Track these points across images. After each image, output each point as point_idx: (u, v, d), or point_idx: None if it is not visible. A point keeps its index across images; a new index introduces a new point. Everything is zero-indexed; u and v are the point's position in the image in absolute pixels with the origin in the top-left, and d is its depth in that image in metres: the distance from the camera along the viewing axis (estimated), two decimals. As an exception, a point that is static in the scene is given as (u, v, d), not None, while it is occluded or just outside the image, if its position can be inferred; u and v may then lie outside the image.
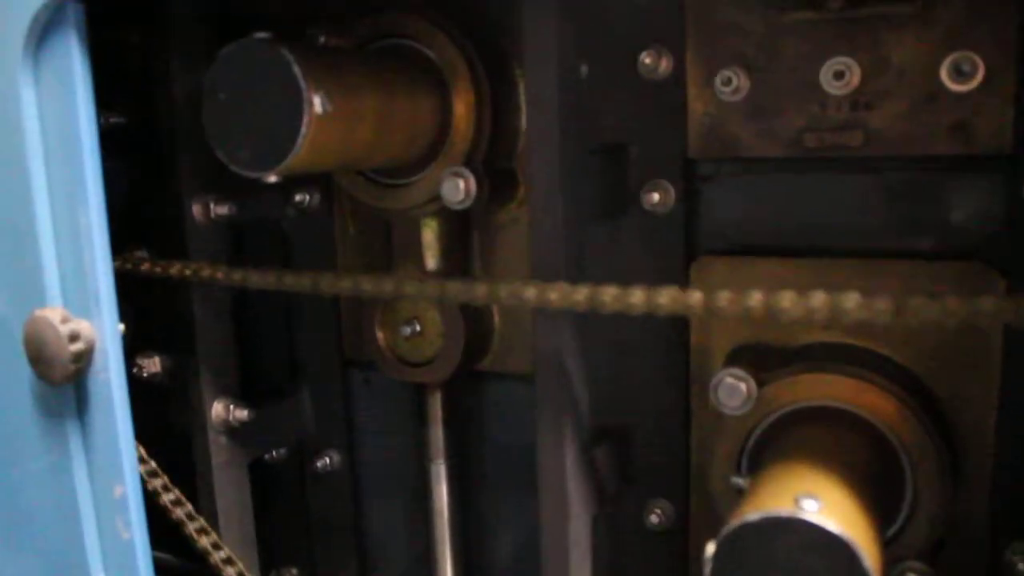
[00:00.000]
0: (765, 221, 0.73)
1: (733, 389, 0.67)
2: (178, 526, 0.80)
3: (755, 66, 0.69)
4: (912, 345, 0.69)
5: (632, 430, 0.79)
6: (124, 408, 0.70)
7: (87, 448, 0.73)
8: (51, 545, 0.76)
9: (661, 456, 0.79)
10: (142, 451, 0.80)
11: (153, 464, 0.80)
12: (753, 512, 0.53)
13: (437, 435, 0.87)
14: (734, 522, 0.54)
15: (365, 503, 0.98)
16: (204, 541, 0.80)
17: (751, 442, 0.70)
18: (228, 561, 0.80)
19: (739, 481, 0.68)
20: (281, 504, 1.00)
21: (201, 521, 0.80)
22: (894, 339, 0.69)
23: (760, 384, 0.67)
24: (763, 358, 0.71)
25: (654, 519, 0.79)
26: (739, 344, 0.75)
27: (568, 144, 0.67)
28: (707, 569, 0.54)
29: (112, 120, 0.88)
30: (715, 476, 0.72)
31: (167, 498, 0.79)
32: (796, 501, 0.53)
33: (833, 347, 0.71)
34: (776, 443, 0.66)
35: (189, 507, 0.80)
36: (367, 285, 0.67)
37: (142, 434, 0.81)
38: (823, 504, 0.52)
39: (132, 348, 0.86)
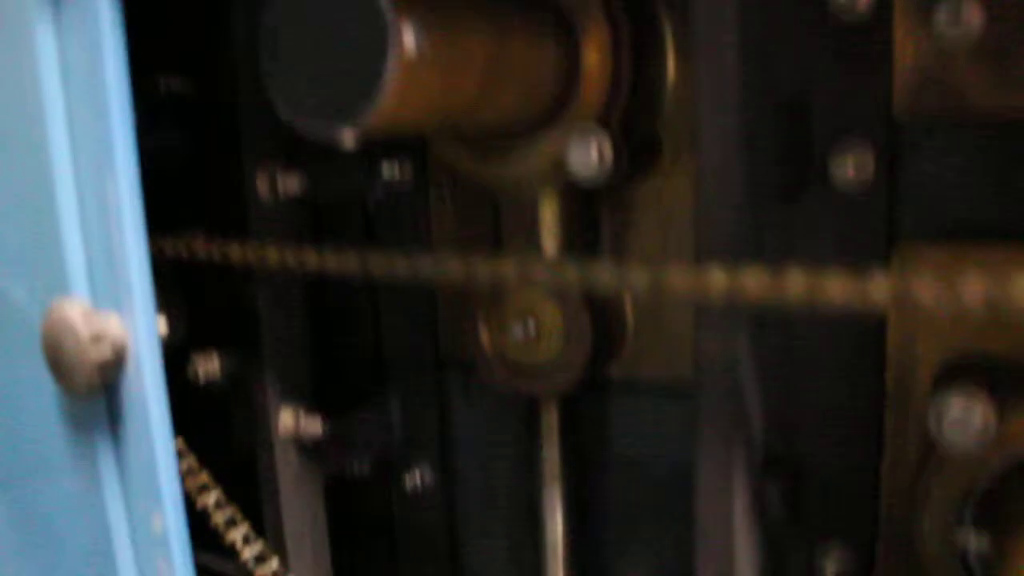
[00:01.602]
0: (992, 199, 0.56)
1: (964, 421, 0.50)
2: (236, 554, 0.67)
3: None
4: None
5: (807, 460, 0.63)
6: (162, 423, 0.57)
7: (121, 472, 0.60)
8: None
9: (840, 492, 0.63)
10: (204, 476, 0.67)
11: (218, 494, 0.67)
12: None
13: (552, 455, 0.71)
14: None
15: (462, 530, 0.83)
16: (261, 572, 0.67)
17: (983, 488, 0.53)
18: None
19: (969, 539, 0.52)
20: (364, 528, 0.86)
21: (261, 545, 0.67)
22: None
23: (1001, 410, 0.51)
24: (996, 377, 0.54)
25: (829, 567, 0.63)
26: (956, 355, 0.58)
27: (746, 104, 0.51)
28: None
29: (168, 84, 0.76)
30: (928, 527, 0.56)
31: (235, 535, 0.66)
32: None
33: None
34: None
35: (246, 528, 0.67)
36: (482, 269, 0.52)
37: (200, 450, 0.69)
38: None
39: (189, 346, 0.73)
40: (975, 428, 0.50)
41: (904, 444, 0.61)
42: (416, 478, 0.81)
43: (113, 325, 0.57)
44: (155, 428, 0.59)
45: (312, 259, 0.60)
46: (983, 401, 0.50)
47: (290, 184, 0.70)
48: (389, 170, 0.74)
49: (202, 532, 0.66)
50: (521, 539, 0.77)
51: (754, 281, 0.46)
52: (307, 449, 0.73)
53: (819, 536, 0.63)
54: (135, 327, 0.57)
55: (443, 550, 0.83)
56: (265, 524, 0.73)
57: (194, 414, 0.70)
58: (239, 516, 0.66)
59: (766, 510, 0.59)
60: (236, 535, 0.66)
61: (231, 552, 0.68)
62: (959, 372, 0.56)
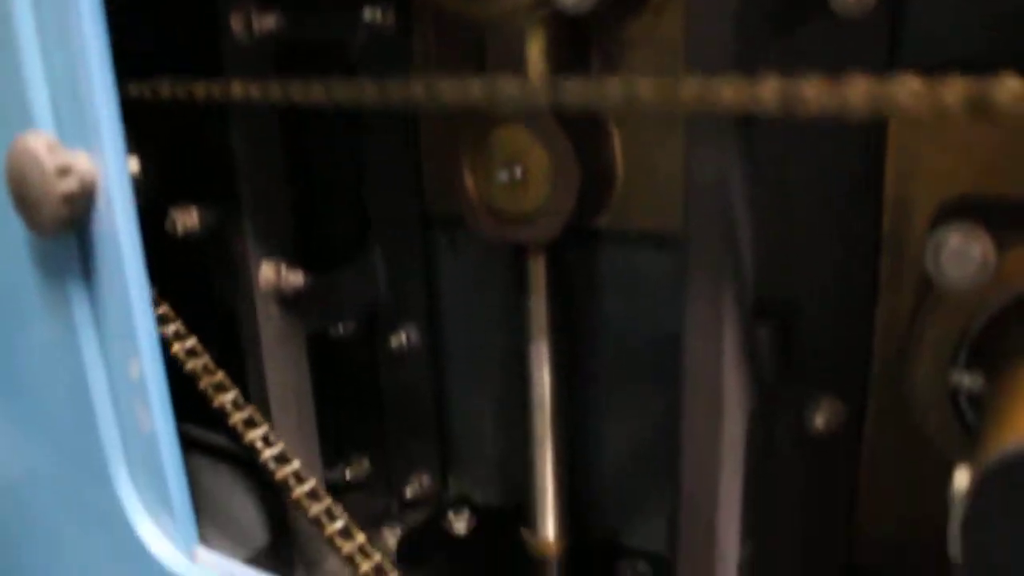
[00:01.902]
0: (993, 27, 0.52)
1: (962, 253, 0.48)
2: (220, 412, 0.66)
3: None
4: None
5: (800, 307, 0.61)
6: (136, 263, 0.54)
7: (95, 315, 0.58)
8: (64, 436, 0.63)
9: (833, 341, 0.61)
10: (178, 323, 0.65)
11: (192, 342, 0.65)
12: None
13: (539, 308, 0.69)
14: (1010, 445, 0.36)
15: (449, 389, 0.82)
16: (252, 435, 0.66)
17: (979, 327, 0.51)
18: (280, 458, 0.66)
19: (964, 379, 0.51)
20: (350, 387, 0.85)
21: (249, 411, 0.66)
22: None
23: (999, 246, 0.49)
24: (995, 214, 0.52)
25: (819, 421, 0.61)
26: (956, 196, 0.56)
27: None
28: (959, 510, 0.37)
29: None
30: (920, 370, 0.54)
31: (208, 381, 0.65)
32: (1115, 418, 0.35)
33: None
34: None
35: (235, 394, 0.66)
36: (450, 91, 0.49)
37: (181, 305, 0.67)
38: None
39: (166, 199, 0.71)
40: (974, 261, 0.48)
41: (899, 289, 0.59)
42: (402, 337, 0.79)
43: (81, 161, 0.55)
44: (128, 269, 0.57)
45: (275, 90, 0.57)
46: (982, 234, 0.48)
47: (266, 23, 0.66)
48: (371, 14, 0.70)
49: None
50: (508, 396, 0.76)
51: (738, 89, 0.42)
52: (290, 304, 0.71)
53: (810, 387, 0.62)
54: (104, 164, 0.55)
55: (429, 409, 0.82)
56: (248, 381, 0.72)
57: (174, 269, 0.68)
58: (212, 363, 0.65)
59: (756, 359, 0.57)
60: (210, 382, 0.65)
61: (212, 411, 0.67)
62: (957, 212, 0.54)
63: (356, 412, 0.86)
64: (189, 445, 0.98)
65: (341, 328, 0.81)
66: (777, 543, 0.67)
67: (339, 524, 0.65)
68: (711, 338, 0.51)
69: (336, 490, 0.87)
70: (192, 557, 0.62)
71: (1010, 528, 0.37)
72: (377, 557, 0.64)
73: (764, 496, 0.66)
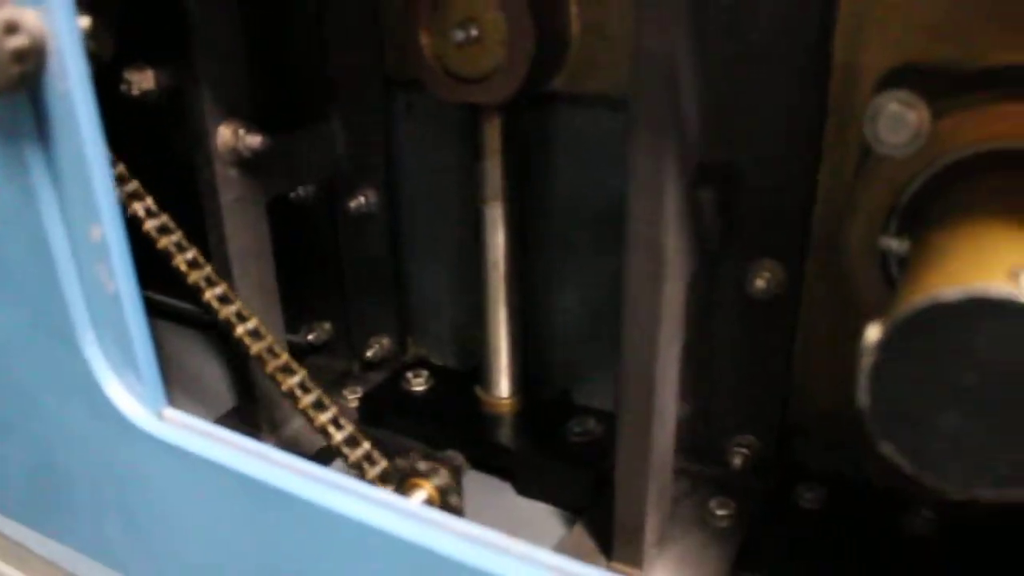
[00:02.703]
0: None
1: (898, 120, 0.50)
2: (179, 271, 0.67)
3: None
4: None
5: (743, 172, 0.62)
6: (91, 123, 0.54)
7: (53, 179, 0.59)
8: (30, 299, 0.64)
9: (775, 205, 0.62)
10: (136, 183, 0.66)
11: (149, 201, 0.66)
12: (950, 287, 0.37)
13: (495, 171, 0.70)
14: (918, 299, 0.38)
15: (407, 252, 0.84)
16: (211, 294, 0.67)
17: (910, 193, 0.53)
18: (240, 316, 0.67)
19: (891, 243, 0.53)
20: (312, 252, 0.86)
21: (207, 270, 0.67)
22: None
23: (936, 115, 0.50)
24: (935, 82, 0.53)
25: (759, 283, 0.64)
26: (901, 63, 0.56)
27: None
28: (867, 360, 0.40)
29: None
30: (853, 234, 0.56)
31: (167, 241, 0.66)
32: (1015, 275, 0.37)
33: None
34: (955, 194, 0.49)
35: (194, 253, 0.67)
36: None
37: (140, 167, 0.67)
38: (1056, 280, 0.37)
39: (121, 60, 0.70)
40: (909, 128, 0.50)
41: (842, 155, 0.60)
42: (360, 200, 0.80)
43: (29, 18, 0.54)
44: (84, 130, 0.56)
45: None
46: (918, 102, 0.49)
47: None
48: None
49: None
50: (464, 259, 0.77)
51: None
52: (249, 167, 0.71)
53: (750, 250, 0.64)
54: (54, 21, 0.54)
55: (388, 272, 0.84)
56: (208, 244, 0.72)
57: (133, 132, 0.68)
58: (171, 223, 0.66)
59: (698, 222, 0.58)
60: (169, 241, 0.66)
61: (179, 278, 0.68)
62: (901, 79, 0.55)
63: (318, 277, 0.87)
64: (159, 313, 1.00)
65: (301, 191, 0.82)
66: (716, 401, 0.71)
67: (297, 379, 0.67)
68: (654, 200, 0.52)
69: (300, 352, 0.90)
70: (160, 416, 0.64)
71: (911, 378, 0.39)
72: (334, 410, 0.67)
73: (704, 356, 0.69)
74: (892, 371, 0.40)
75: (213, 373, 0.93)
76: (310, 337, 0.89)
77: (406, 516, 0.53)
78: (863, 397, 0.40)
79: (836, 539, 0.66)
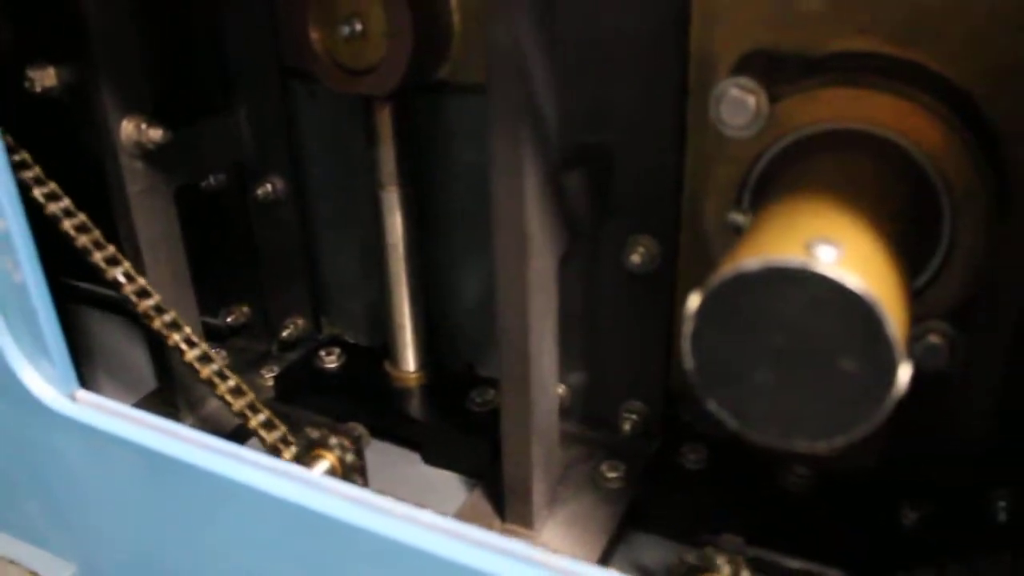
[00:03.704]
0: None
1: (738, 103, 0.54)
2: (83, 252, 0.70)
3: None
4: (971, 58, 0.54)
5: (613, 152, 0.66)
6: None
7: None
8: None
9: (647, 185, 0.66)
10: (37, 170, 0.68)
11: (67, 202, 0.68)
12: (752, 258, 0.42)
13: (388, 158, 0.74)
14: (726, 270, 0.42)
15: (316, 235, 0.87)
16: (130, 288, 0.70)
17: (756, 171, 0.57)
18: (158, 309, 0.70)
19: (738, 218, 0.57)
20: (225, 238, 0.89)
21: (126, 265, 0.70)
22: (948, 49, 0.55)
23: (773, 99, 0.54)
24: (779, 68, 0.57)
25: (636, 258, 0.68)
26: (750, 50, 0.60)
27: None
28: (688, 326, 0.44)
29: None
30: (710, 210, 0.61)
31: (84, 240, 0.69)
32: (808, 247, 0.41)
33: (870, 57, 0.56)
34: (788, 173, 0.54)
35: (112, 250, 0.70)
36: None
37: (48, 161, 0.70)
38: (842, 251, 0.41)
39: (22, 58, 0.72)
40: (749, 111, 0.54)
41: (704, 135, 0.64)
42: (267, 187, 0.83)
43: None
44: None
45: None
46: (756, 87, 0.53)
47: None
48: None
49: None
50: (369, 241, 0.81)
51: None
52: (154, 159, 0.73)
53: (626, 227, 0.68)
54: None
55: (298, 256, 0.87)
56: (120, 237, 0.75)
57: (41, 129, 0.70)
58: (72, 206, 0.68)
59: (567, 204, 0.62)
60: (72, 224, 0.68)
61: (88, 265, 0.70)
62: (749, 65, 0.59)
63: (232, 261, 0.90)
64: (80, 299, 1.03)
65: (212, 180, 0.85)
66: (605, 370, 0.75)
67: (214, 367, 0.70)
68: (514, 186, 0.55)
69: (219, 335, 0.93)
70: (72, 398, 0.67)
71: (726, 341, 0.43)
72: (250, 396, 0.70)
73: (591, 328, 0.73)
74: (709, 336, 0.44)
75: (136, 357, 0.96)
76: (229, 320, 0.92)
77: (304, 484, 0.57)
78: (687, 360, 0.44)
79: (718, 497, 0.70)
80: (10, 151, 0.67)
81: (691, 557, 0.56)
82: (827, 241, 0.41)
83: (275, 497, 0.57)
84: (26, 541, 0.73)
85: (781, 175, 0.54)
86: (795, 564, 0.63)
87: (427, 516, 0.53)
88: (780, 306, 0.42)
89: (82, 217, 0.70)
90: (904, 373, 0.40)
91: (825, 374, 0.42)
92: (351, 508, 0.55)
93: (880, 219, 0.45)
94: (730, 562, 0.55)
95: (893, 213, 0.48)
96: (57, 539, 0.71)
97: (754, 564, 0.56)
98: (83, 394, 0.67)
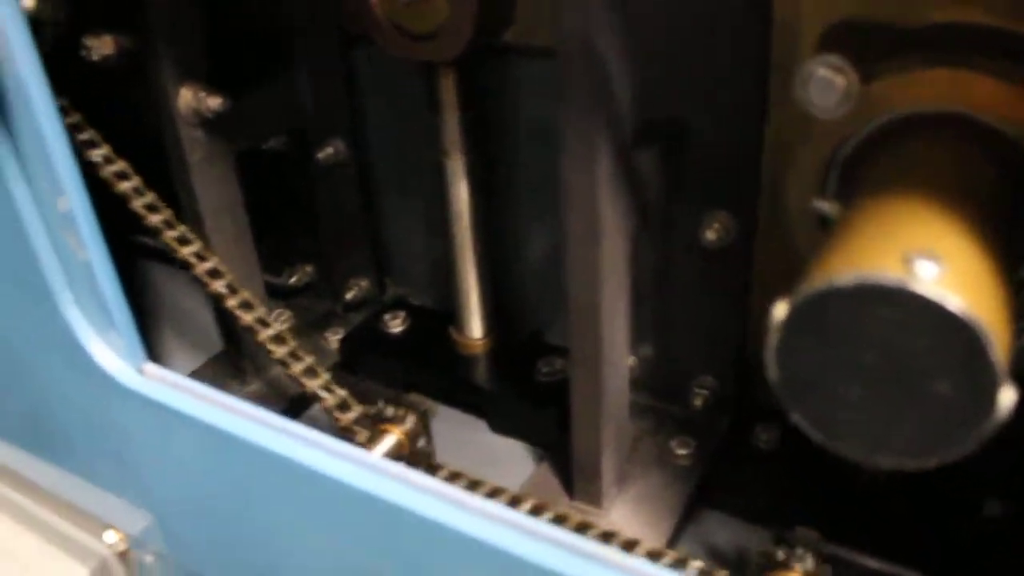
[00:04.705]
0: None
1: (827, 84, 0.50)
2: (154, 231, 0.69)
3: None
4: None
5: (691, 128, 0.63)
6: (45, 102, 0.56)
7: (17, 155, 0.60)
8: (10, 269, 0.67)
9: (724, 160, 0.63)
10: (106, 148, 0.68)
11: (122, 164, 0.68)
12: (844, 272, 0.39)
13: (452, 125, 0.71)
14: (816, 282, 0.40)
15: (380, 199, 0.85)
16: (187, 251, 0.70)
17: (844, 154, 0.54)
18: (215, 273, 0.70)
19: (824, 206, 0.53)
20: (288, 197, 0.88)
21: (181, 229, 0.69)
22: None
23: (865, 79, 0.50)
24: (871, 42, 0.53)
25: (711, 235, 0.65)
26: (839, 20, 0.56)
27: None
28: (773, 337, 0.41)
29: None
30: (793, 194, 0.57)
31: (141, 202, 0.68)
32: (906, 261, 0.38)
33: (976, 31, 0.51)
34: (880, 162, 0.50)
35: (168, 214, 0.69)
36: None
37: (109, 131, 0.69)
38: (943, 267, 0.38)
39: (79, 26, 0.70)
40: (837, 92, 0.50)
41: (787, 109, 0.60)
42: (328, 151, 0.81)
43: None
44: (38, 108, 0.57)
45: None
46: (846, 67, 0.49)
47: None
48: None
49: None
50: (434, 206, 0.79)
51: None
52: (213, 126, 0.72)
53: (702, 203, 0.65)
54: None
55: (360, 219, 0.86)
56: (181, 205, 0.74)
57: (101, 97, 0.69)
58: (142, 185, 0.68)
59: (640, 182, 0.59)
60: (141, 203, 0.68)
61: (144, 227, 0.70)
62: (838, 38, 0.55)
63: (295, 222, 0.89)
64: (151, 255, 1.03)
65: (273, 142, 0.83)
66: (677, 345, 0.73)
67: (271, 332, 0.70)
68: (586, 172, 0.53)
69: (283, 294, 0.93)
70: (141, 371, 0.67)
71: (813, 355, 0.41)
72: (309, 360, 0.70)
73: (660, 302, 0.71)
74: (795, 349, 0.41)
75: (205, 316, 0.96)
76: (292, 280, 0.91)
77: (367, 469, 0.57)
78: (771, 371, 0.42)
79: (791, 480, 0.68)
80: (76, 129, 0.66)
81: (765, 552, 0.55)
82: (927, 255, 0.38)
83: (336, 479, 0.57)
84: (105, 489, 0.75)
85: (873, 163, 0.51)
86: (873, 563, 0.61)
87: (492, 507, 0.52)
88: (873, 323, 0.39)
89: (137, 180, 0.69)
90: (1007, 398, 0.37)
91: (919, 394, 0.39)
92: (412, 494, 0.54)
93: (984, 223, 0.42)
94: (805, 559, 0.54)
95: (997, 213, 0.44)
96: (134, 491, 0.73)
97: (830, 560, 0.54)
98: (151, 368, 0.68)
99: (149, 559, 0.78)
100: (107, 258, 0.64)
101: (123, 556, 0.79)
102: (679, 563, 0.57)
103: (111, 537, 0.78)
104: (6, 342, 0.74)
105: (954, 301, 0.36)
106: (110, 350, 0.67)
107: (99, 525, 0.79)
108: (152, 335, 0.96)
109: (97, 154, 0.69)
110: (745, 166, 0.63)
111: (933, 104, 0.49)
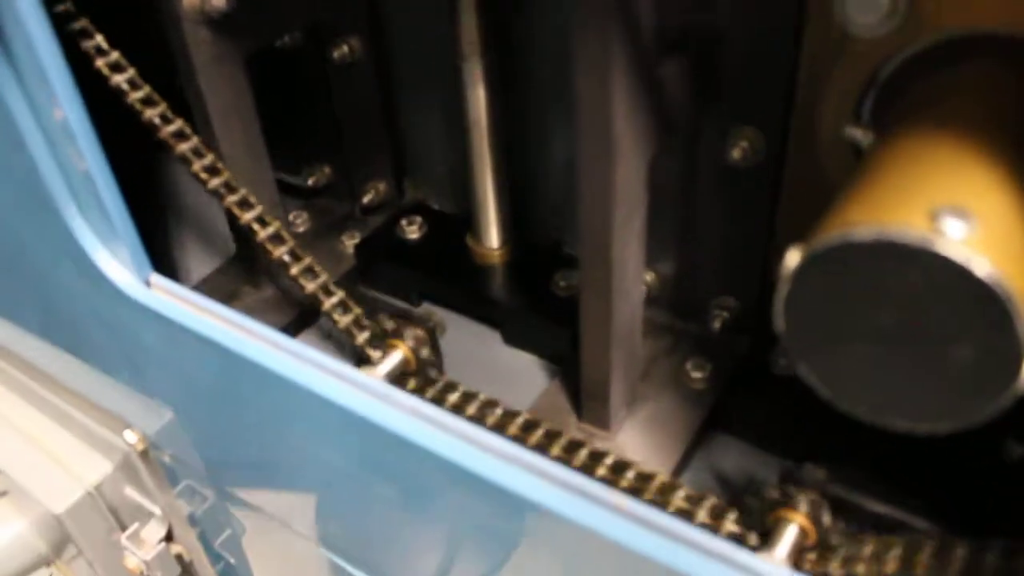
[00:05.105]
0: None
1: None
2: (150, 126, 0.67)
3: None
4: None
5: (720, 37, 0.58)
6: (35, 11, 0.53)
7: (13, 68, 0.58)
8: (14, 182, 0.65)
9: (755, 72, 0.58)
10: (99, 39, 0.65)
11: (131, 71, 0.65)
12: (864, 225, 0.36)
13: (470, 26, 0.67)
14: (833, 234, 0.36)
15: (398, 100, 0.81)
16: (199, 164, 0.67)
17: (883, 78, 0.49)
18: (229, 187, 0.68)
19: (856, 133, 0.49)
20: (304, 97, 0.84)
21: (195, 140, 0.67)
22: None
23: (911, -7, 0.45)
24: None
25: (737, 152, 0.61)
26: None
27: None
28: (783, 287, 0.39)
29: None
30: (826, 115, 0.53)
31: (150, 113, 0.65)
32: (933, 216, 0.35)
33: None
34: (921, 88, 0.46)
35: (178, 124, 0.67)
36: None
37: (115, 35, 0.66)
38: (973, 225, 0.34)
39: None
40: (881, 7, 0.46)
41: (825, 22, 0.55)
42: (344, 49, 0.77)
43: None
44: (29, 18, 0.55)
45: None
46: (892, -21, 0.45)
47: None
48: None
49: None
50: (452, 109, 0.75)
51: None
52: (219, 26, 0.68)
53: (730, 118, 0.61)
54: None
55: (378, 121, 0.82)
56: (192, 109, 0.72)
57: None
58: (138, 78, 0.65)
59: (662, 95, 0.55)
60: (137, 97, 0.65)
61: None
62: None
63: (312, 122, 0.86)
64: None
65: (287, 39, 0.80)
66: (699, 263, 0.70)
67: (286, 248, 0.68)
68: (601, 89, 0.49)
69: (301, 194, 0.91)
70: (147, 283, 0.67)
71: (824, 309, 0.38)
72: (323, 277, 0.68)
73: (682, 218, 0.68)
74: (806, 301, 0.39)
75: (219, 218, 0.95)
76: (310, 181, 0.89)
77: (364, 390, 0.56)
78: (779, 322, 0.40)
79: (805, 406, 0.66)
80: (84, 35, 0.64)
81: (770, 493, 0.53)
82: (956, 210, 0.35)
83: (331, 401, 0.56)
84: (128, 386, 0.75)
85: (912, 91, 0.46)
86: (880, 508, 0.59)
87: (493, 440, 0.51)
88: (892, 281, 0.36)
89: (147, 90, 0.66)
90: (1031, 369, 0.35)
91: (935, 358, 0.37)
92: (410, 423, 0.53)
93: (1025, 168, 0.38)
94: (810, 502, 0.52)
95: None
96: (155, 387, 0.73)
97: (835, 503, 0.52)
98: (157, 279, 0.67)
99: (167, 459, 0.80)
100: (107, 169, 0.62)
101: (144, 455, 0.81)
102: (692, 498, 0.56)
103: (131, 437, 0.79)
104: (21, 251, 0.74)
105: (982, 265, 0.33)
106: (116, 261, 0.67)
107: (120, 424, 0.81)
108: (175, 238, 0.95)
109: (104, 63, 0.66)
110: (777, 80, 0.58)
111: (989, 24, 0.44)
